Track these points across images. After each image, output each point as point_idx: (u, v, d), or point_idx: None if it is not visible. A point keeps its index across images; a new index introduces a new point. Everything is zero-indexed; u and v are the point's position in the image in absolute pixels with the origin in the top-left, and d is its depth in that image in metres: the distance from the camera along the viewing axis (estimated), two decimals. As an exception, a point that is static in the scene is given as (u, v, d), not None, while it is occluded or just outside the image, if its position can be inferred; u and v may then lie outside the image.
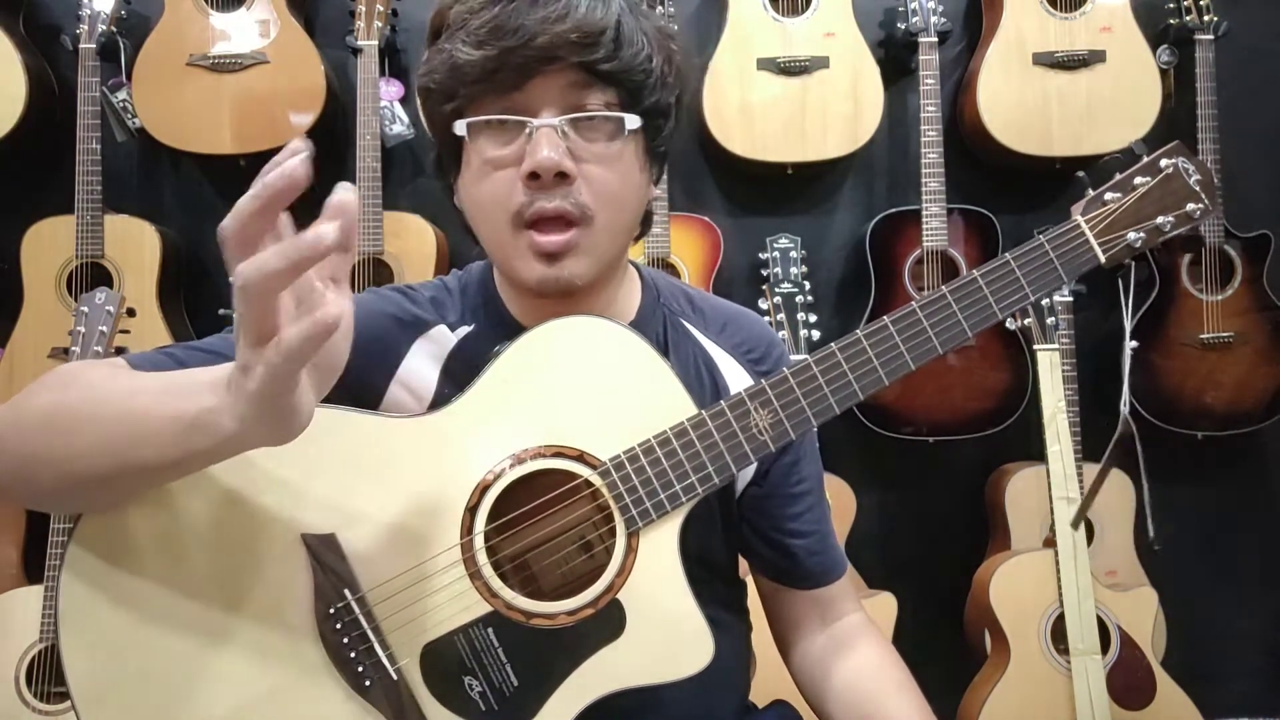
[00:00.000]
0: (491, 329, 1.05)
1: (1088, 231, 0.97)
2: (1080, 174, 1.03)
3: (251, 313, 0.67)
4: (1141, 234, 0.98)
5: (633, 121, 0.95)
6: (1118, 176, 1.01)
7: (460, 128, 0.95)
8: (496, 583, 0.89)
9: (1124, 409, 1.15)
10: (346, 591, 0.88)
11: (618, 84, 0.94)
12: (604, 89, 0.93)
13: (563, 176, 0.92)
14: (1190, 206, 1.00)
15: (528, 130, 0.92)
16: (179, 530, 0.88)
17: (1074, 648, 2.14)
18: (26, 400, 0.86)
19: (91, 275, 2.34)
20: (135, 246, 2.38)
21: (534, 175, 0.92)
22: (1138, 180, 1.00)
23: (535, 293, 0.97)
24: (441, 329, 1.05)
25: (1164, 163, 1.01)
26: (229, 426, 0.72)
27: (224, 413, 0.72)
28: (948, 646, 2.43)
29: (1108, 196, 0.99)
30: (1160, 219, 0.99)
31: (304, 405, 0.73)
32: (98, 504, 0.87)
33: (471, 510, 0.90)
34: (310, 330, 0.66)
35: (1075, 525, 1.27)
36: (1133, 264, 1.00)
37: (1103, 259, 0.97)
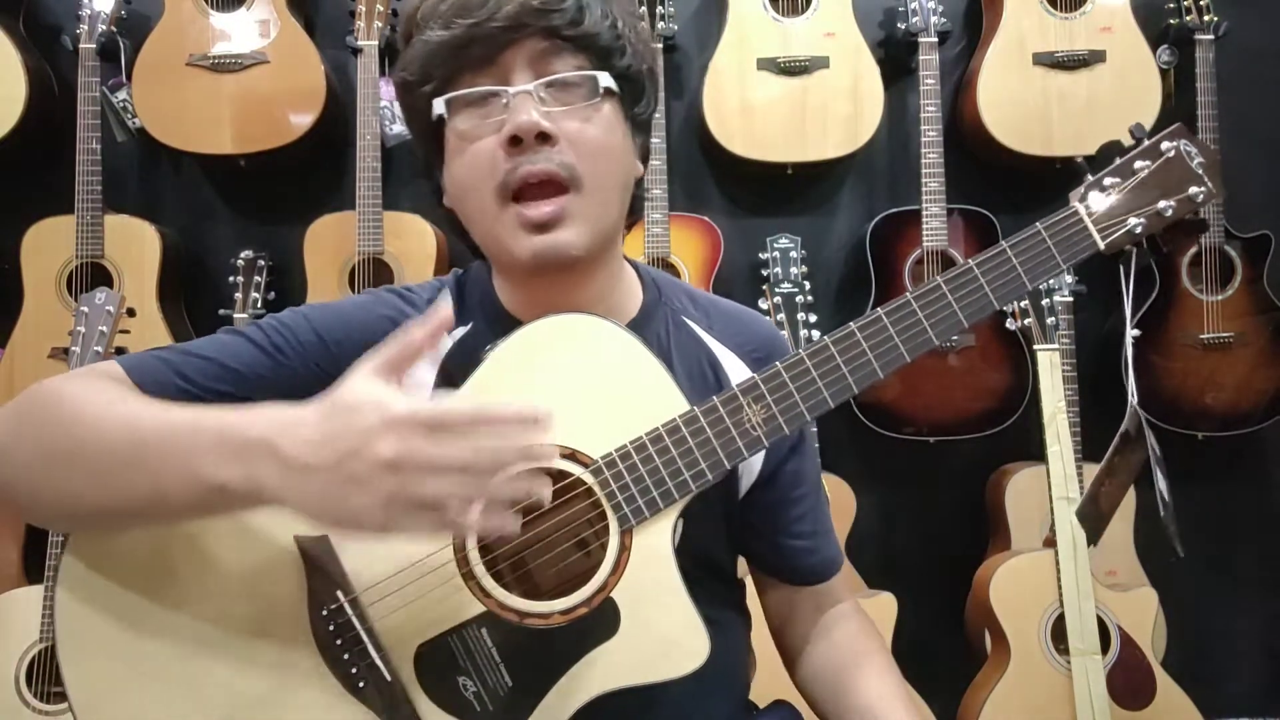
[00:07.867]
0: (489, 327, 1.04)
1: (1086, 218, 0.94)
2: (1079, 159, 1.00)
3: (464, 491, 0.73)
4: (1142, 219, 0.95)
5: (606, 79, 0.96)
6: (1117, 161, 0.97)
7: (439, 105, 0.96)
8: (489, 583, 0.89)
9: (1131, 399, 1.08)
10: (340, 593, 0.88)
11: (586, 48, 0.95)
12: (574, 54, 0.95)
13: (544, 138, 0.93)
14: (1193, 190, 0.96)
15: (504, 100, 0.93)
16: (171, 536, 0.88)
17: (1074, 648, 2.14)
18: (19, 427, 0.87)
19: (91, 275, 2.34)
20: (135, 246, 2.38)
21: (515, 141, 0.92)
22: (1138, 165, 0.97)
23: (530, 270, 0.97)
24: None
25: (1165, 145, 0.97)
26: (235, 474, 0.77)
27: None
28: (948, 646, 2.42)
29: (1107, 182, 0.96)
30: (1162, 204, 0.96)
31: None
32: (94, 532, 0.89)
33: (464, 510, 0.89)
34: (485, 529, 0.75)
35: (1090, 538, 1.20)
36: (1134, 251, 0.97)
37: (1102, 245, 0.94)
